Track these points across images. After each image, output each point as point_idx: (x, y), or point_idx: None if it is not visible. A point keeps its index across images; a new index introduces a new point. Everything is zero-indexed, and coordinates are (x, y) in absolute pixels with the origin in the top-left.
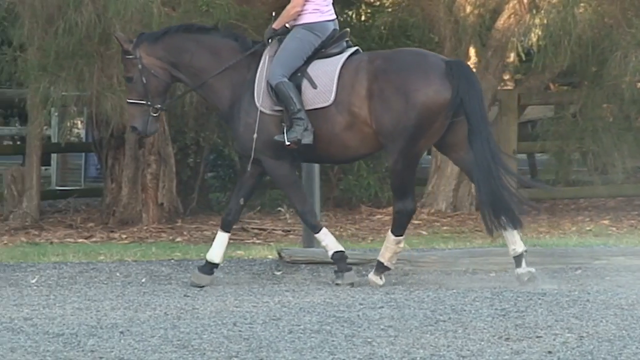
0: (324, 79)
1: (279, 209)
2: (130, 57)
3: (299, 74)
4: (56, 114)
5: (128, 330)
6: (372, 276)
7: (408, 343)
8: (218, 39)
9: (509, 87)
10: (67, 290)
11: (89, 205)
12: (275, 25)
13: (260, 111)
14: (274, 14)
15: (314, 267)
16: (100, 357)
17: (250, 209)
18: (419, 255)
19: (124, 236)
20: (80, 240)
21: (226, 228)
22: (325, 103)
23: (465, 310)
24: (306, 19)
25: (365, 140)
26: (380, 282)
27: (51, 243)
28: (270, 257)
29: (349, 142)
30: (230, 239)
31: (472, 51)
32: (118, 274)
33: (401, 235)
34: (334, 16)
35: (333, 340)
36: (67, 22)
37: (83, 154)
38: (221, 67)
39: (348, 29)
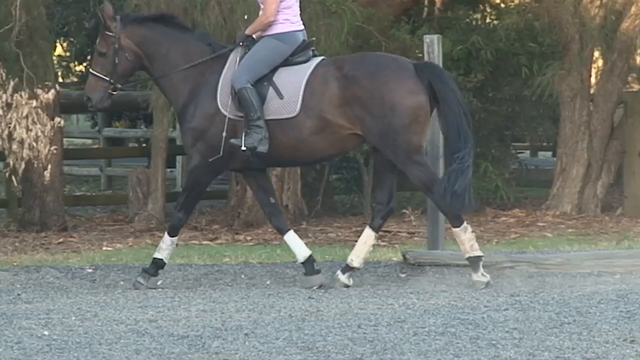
0: (291, 90)
1: (404, 211)
2: (111, 34)
3: (265, 83)
4: None
5: (252, 332)
6: (475, 276)
7: (533, 345)
8: (192, 41)
9: (634, 89)
10: (191, 292)
11: (213, 207)
12: (248, 31)
13: (222, 114)
14: (245, 17)
15: (438, 270)
16: (225, 359)
17: None
18: (543, 257)
19: (248, 238)
20: (205, 242)
21: (284, 231)
22: (291, 114)
23: (590, 313)
24: (277, 29)
25: (335, 142)
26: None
27: (176, 245)
28: (394, 259)
29: (318, 145)
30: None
31: (596, 53)
32: (243, 276)
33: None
34: (302, 27)
35: (457, 343)
36: (194, 25)
37: None
38: (188, 64)
39: (314, 38)
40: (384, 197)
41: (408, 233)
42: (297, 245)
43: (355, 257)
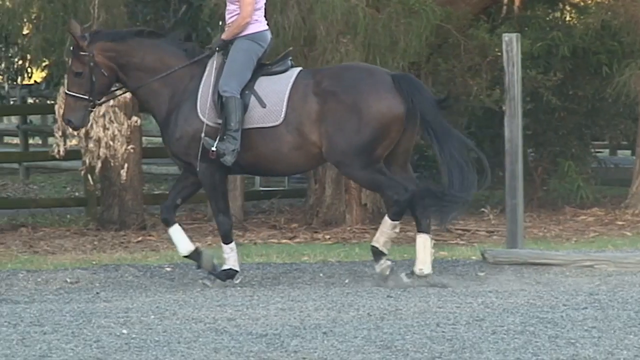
0: (274, 98)
1: (483, 209)
2: (84, 53)
3: (247, 92)
4: None
5: (331, 330)
6: (378, 267)
7: (612, 344)
8: (167, 47)
9: None
10: (270, 290)
11: (292, 206)
12: (225, 36)
13: (201, 120)
14: (220, 23)
15: (517, 268)
16: (304, 358)
17: None
18: (623, 256)
19: (327, 237)
20: (283, 240)
21: (171, 223)
22: (275, 122)
23: None
24: (250, 29)
25: (311, 159)
26: (389, 264)
27: (255, 244)
28: (473, 258)
29: (296, 160)
30: (433, 239)
31: None
32: (321, 275)
33: (397, 221)
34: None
35: (536, 341)
36: (273, 25)
37: None
38: (165, 72)
39: (292, 47)
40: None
41: (487, 232)
42: (180, 239)
43: (423, 265)
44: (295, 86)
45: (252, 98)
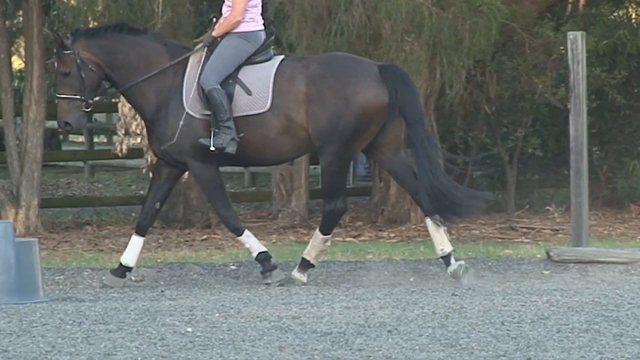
0: (259, 85)
1: (548, 207)
2: (68, 52)
3: (231, 81)
4: None
5: (396, 329)
6: (295, 273)
7: None
8: (148, 43)
9: None
10: (335, 288)
11: (357, 204)
12: (215, 32)
13: (189, 115)
14: (214, 19)
15: (582, 267)
16: (368, 356)
17: (518, 207)
18: None
19: (392, 235)
20: (348, 239)
21: (141, 232)
22: (262, 109)
23: None
24: (242, 27)
25: (299, 144)
26: (304, 280)
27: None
28: (538, 256)
29: (284, 146)
30: (498, 238)
31: None
32: (386, 273)
33: (329, 234)
34: (263, 26)
35: (601, 340)
36: (337, 23)
37: None
38: (151, 71)
39: (273, 37)
40: (414, 187)
41: (552, 230)
42: (131, 250)
43: (443, 245)
44: (281, 71)
45: (237, 87)
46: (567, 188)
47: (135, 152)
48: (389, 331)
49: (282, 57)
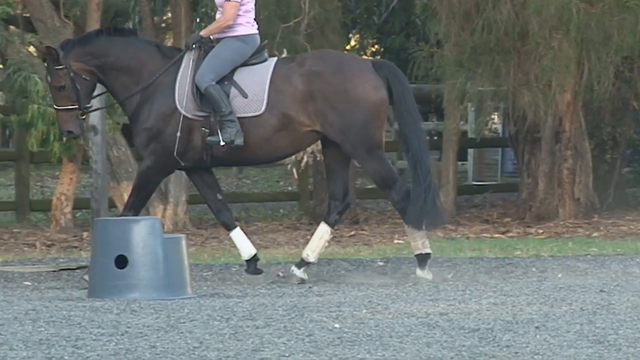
0: (255, 88)
1: None
2: (61, 67)
3: (226, 82)
4: (472, 109)
5: (544, 325)
6: (418, 272)
7: None
8: (139, 43)
9: None
10: (482, 285)
11: (505, 200)
12: (203, 33)
13: (182, 115)
14: (197, 19)
15: None
16: (516, 352)
17: None
18: None
19: (540, 231)
20: (496, 235)
21: (231, 227)
22: (257, 112)
23: None
24: (241, 30)
25: (296, 140)
26: (429, 276)
27: (467, 238)
28: None
29: (279, 143)
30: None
31: None
32: (534, 269)
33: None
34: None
35: None
36: (485, 20)
37: (500, 149)
38: (141, 74)
39: (267, 41)
40: (339, 193)
41: None
42: (243, 243)
43: (311, 252)
44: (276, 72)
45: (233, 89)
46: None
47: None
48: (536, 327)
49: (276, 59)
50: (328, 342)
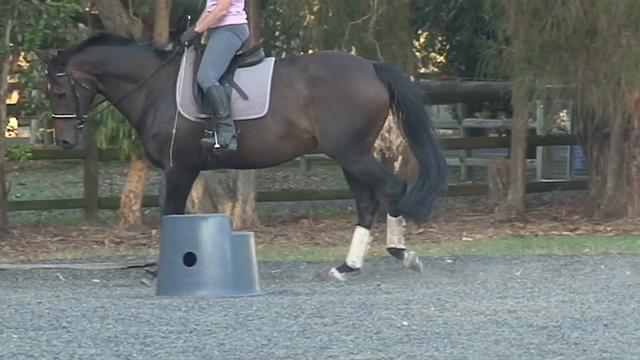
0: (256, 90)
1: None
2: (62, 74)
3: (227, 84)
4: (541, 106)
5: (612, 323)
6: (406, 262)
7: None
8: (138, 49)
9: None
10: (551, 283)
11: (574, 198)
12: (199, 27)
13: (183, 117)
14: (189, 17)
15: None
16: (584, 350)
17: None
18: None
19: (608, 229)
20: (565, 232)
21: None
22: (259, 114)
23: None
24: (230, 20)
25: (299, 146)
26: (413, 253)
27: (536, 236)
28: None
29: (283, 149)
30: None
31: None
32: (602, 267)
33: (398, 215)
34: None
35: None
36: (554, 17)
37: (568, 146)
38: (143, 78)
39: (262, 39)
40: (365, 194)
41: None
42: None
43: (356, 258)
44: (277, 74)
45: (233, 91)
46: None
47: None
48: (605, 325)
49: (273, 59)
50: (396, 339)
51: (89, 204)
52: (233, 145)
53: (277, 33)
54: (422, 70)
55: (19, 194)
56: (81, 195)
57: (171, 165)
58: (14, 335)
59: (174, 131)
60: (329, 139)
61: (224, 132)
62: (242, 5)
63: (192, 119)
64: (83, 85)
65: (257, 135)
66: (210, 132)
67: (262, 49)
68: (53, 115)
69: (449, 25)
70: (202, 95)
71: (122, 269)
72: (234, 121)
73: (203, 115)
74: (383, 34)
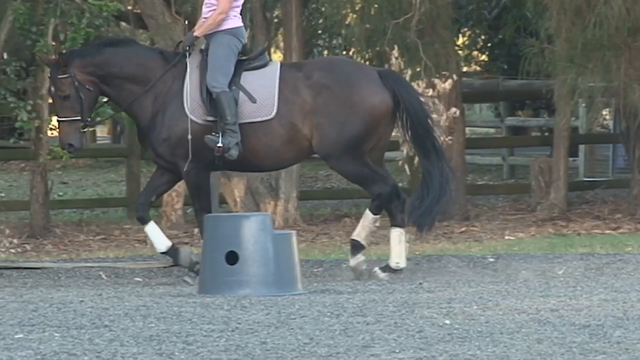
0: (263, 93)
1: None
2: (66, 76)
3: (234, 87)
4: (583, 105)
5: None
6: (351, 260)
7: None
8: (143, 51)
9: None
10: (593, 281)
11: (616, 197)
12: (198, 32)
13: (191, 120)
14: (186, 22)
15: None
16: (627, 349)
17: None
18: None
19: None
20: (607, 231)
21: (146, 221)
22: (268, 116)
23: None
24: (229, 24)
25: (299, 153)
26: (363, 259)
27: (578, 234)
28: None
29: (286, 154)
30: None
31: None
32: None
33: (378, 215)
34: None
35: None
36: (596, 15)
37: (611, 145)
38: (148, 80)
39: (266, 43)
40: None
41: None
42: (157, 237)
43: (399, 259)
44: (284, 79)
45: (241, 94)
46: None
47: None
48: None
49: (279, 63)
50: (438, 338)
51: (131, 202)
52: (234, 152)
53: (319, 32)
54: (465, 69)
55: (61, 193)
56: (123, 194)
57: (186, 166)
58: (56, 334)
59: (189, 137)
60: (325, 142)
61: (229, 137)
62: (239, 9)
63: (199, 121)
64: (87, 87)
65: (263, 138)
66: (216, 134)
67: (266, 53)
68: (57, 118)
69: (492, 24)
70: (211, 99)
71: (165, 267)
72: (242, 124)
73: (210, 118)
74: (425, 32)
